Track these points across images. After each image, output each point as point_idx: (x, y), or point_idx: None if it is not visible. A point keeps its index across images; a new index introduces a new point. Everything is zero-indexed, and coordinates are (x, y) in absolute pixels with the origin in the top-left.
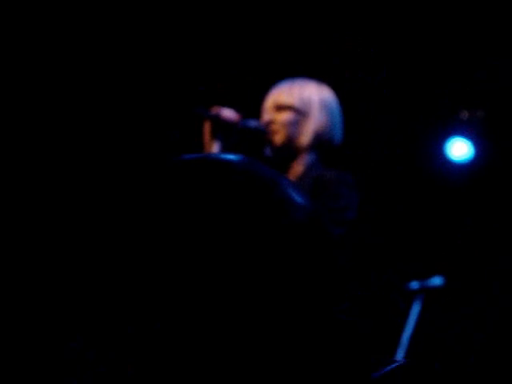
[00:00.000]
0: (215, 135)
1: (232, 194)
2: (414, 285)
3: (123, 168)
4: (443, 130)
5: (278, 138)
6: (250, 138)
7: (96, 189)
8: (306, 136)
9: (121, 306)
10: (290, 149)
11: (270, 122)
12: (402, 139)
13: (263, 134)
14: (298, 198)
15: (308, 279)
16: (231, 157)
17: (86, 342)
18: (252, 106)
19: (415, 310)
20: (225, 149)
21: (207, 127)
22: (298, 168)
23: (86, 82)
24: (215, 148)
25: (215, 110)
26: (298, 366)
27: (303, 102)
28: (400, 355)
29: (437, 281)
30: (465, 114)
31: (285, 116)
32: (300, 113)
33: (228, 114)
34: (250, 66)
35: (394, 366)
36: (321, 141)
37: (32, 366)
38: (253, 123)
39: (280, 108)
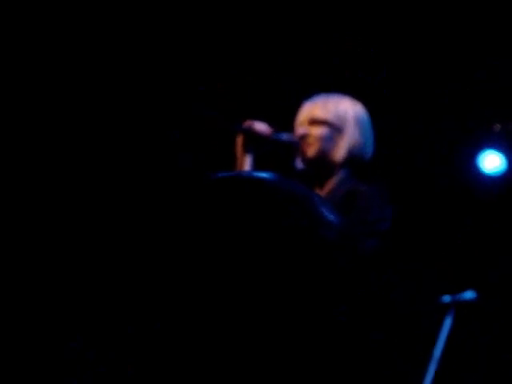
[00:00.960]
0: (247, 149)
1: (265, 212)
2: (446, 298)
3: (125, 169)
4: (476, 143)
5: (312, 152)
6: (282, 151)
7: (96, 189)
8: (339, 151)
9: (121, 306)
10: (322, 163)
11: (304, 136)
12: (434, 152)
13: (295, 147)
14: (329, 216)
15: (336, 294)
16: (264, 175)
17: (85, 341)
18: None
19: (447, 323)
20: (257, 162)
21: (239, 141)
22: (331, 182)
23: (87, 84)
24: (247, 161)
25: (247, 123)
26: (299, 364)
27: (339, 118)
28: (432, 369)
29: (469, 295)
30: (497, 127)
31: (319, 130)
32: (335, 128)
33: (260, 127)
34: (249, 66)
35: None
36: (353, 156)
37: (32, 366)
38: (285, 136)
39: (315, 122)
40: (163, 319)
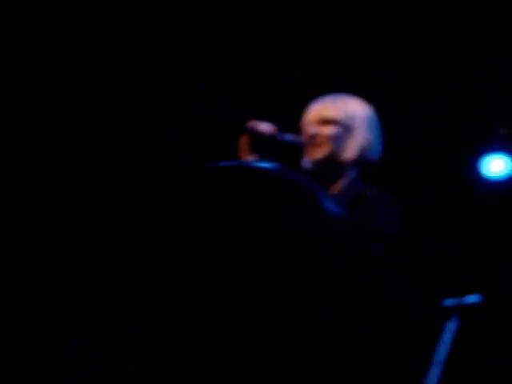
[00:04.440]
0: (251, 149)
1: (267, 202)
2: (450, 302)
3: (126, 169)
4: (480, 147)
5: (321, 152)
6: (287, 151)
7: (95, 189)
8: (350, 151)
9: (121, 306)
10: (332, 163)
11: (314, 135)
12: (438, 156)
13: (300, 147)
14: (333, 209)
15: (336, 293)
16: (267, 165)
17: (86, 341)
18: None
19: (451, 328)
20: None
21: (243, 141)
22: (340, 183)
23: (87, 84)
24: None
25: (251, 123)
26: (296, 363)
27: (348, 117)
28: (434, 374)
29: (474, 298)
30: (502, 131)
31: (330, 130)
32: (345, 128)
33: (264, 127)
34: (250, 66)
35: None
36: (363, 157)
37: (32, 366)
38: (289, 137)
39: (324, 121)
40: (163, 319)
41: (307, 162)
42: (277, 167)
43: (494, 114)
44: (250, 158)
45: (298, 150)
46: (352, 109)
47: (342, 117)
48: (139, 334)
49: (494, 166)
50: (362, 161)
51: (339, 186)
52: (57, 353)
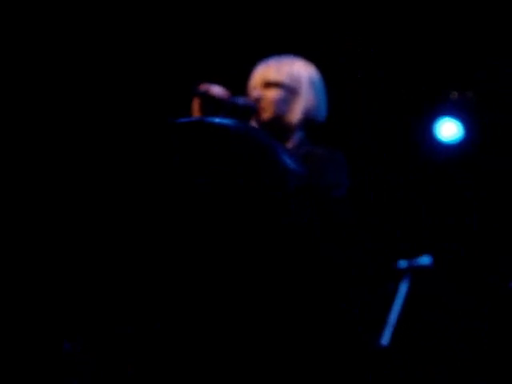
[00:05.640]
0: (204, 112)
1: (229, 157)
2: (402, 264)
3: (120, 160)
4: (432, 111)
5: (267, 115)
6: (239, 114)
7: (94, 187)
8: (295, 113)
9: (120, 307)
10: (278, 126)
11: (259, 99)
12: (391, 119)
13: (252, 110)
14: (292, 165)
15: (299, 245)
16: (228, 121)
17: (85, 342)
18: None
19: (403, 289)
20: None
21: (196, 104)
22: (287, 145)
23: (84, 80)
24: None
25: (204, 86)
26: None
27: (293, 79)
28: (387, 334)
29: (425, 260)
30: (454, 95)
31: (274, 93)
32: (289, 90)
33: (217, 90)
34: (248, 66)
35: None
36: (308, 118)
37: (32, 366)
38: (241, 100)
39: (269, 85)
40: (163, 319)
41: (255, 124)
42: (237, 123)
43: (447, 78)
44: None
45: (249, 113)
46: (297, 71)
47: (287, 80)
48: (139, 333)
49: (447, 130)
50: (307, 122)
51: (287, 147)
52: (56, 353)
